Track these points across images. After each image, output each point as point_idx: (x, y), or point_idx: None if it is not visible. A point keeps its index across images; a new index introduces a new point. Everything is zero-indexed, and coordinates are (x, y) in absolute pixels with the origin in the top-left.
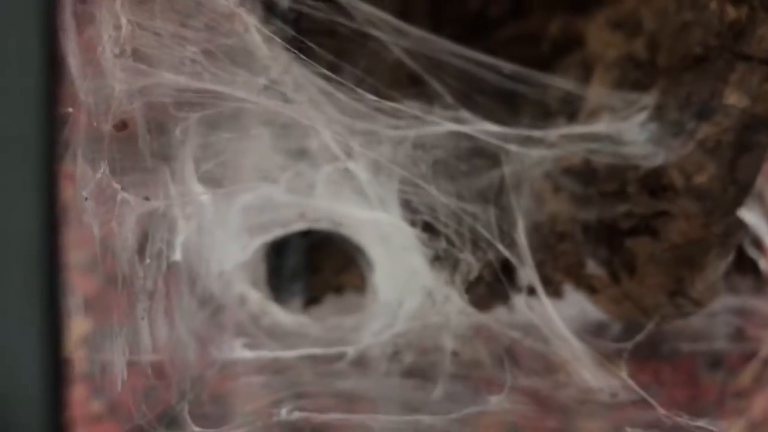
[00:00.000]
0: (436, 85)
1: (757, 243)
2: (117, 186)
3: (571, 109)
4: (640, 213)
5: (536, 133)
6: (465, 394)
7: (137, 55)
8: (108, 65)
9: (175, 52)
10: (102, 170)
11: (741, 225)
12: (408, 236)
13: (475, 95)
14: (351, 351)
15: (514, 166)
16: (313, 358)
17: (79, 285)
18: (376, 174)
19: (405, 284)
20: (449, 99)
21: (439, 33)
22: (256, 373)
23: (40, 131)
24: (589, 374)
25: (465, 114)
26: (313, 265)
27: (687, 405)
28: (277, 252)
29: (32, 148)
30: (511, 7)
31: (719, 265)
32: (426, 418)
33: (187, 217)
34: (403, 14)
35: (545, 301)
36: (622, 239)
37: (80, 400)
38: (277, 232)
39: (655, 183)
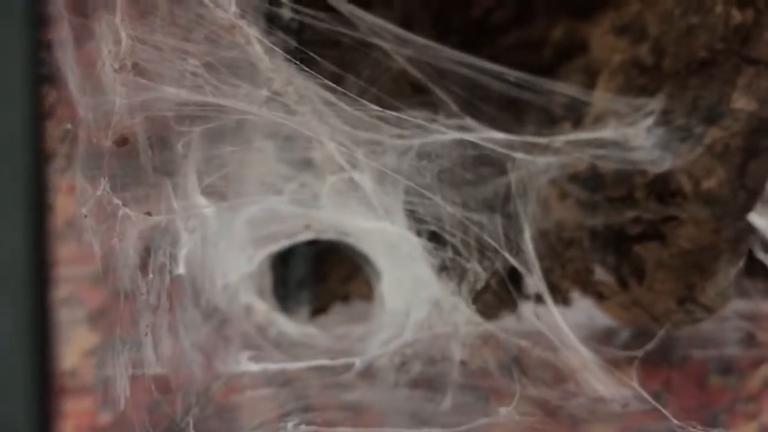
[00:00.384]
0: (441, 94)
1: (767, 246)
2: (118, 202)
3: (576, 116)
4: (649, 219)
5: (542, 140)
6: (474, 404)
7: (138, 69)
8: (108, 80)
9: (176, 65)
10: (102, 186)
11: (751, 230)
12: (414, 246)
13: (480, 103)
14: (358, 362)
15: (520, 174)
16: (320, 370)
17: (84, 298)
18: (381, 184)
19: (412, 294)
20: (453, 107)
21: (443, 40)
22: (262, 386)
23: (33, 145)
24: (599, 383)
25: (470, 122)
26: (320, 274)
27: (698, 411)
28: (283, 262)
29: (25, 163)
30: (514, 13)
31: (730, 271)
32: (435, 431)
33: (190, 231)
34: (407, 22)
35: (553, 309)
36: (631, 245)
37: (86, 412)
38: (283, 244)
39: (663, 188)
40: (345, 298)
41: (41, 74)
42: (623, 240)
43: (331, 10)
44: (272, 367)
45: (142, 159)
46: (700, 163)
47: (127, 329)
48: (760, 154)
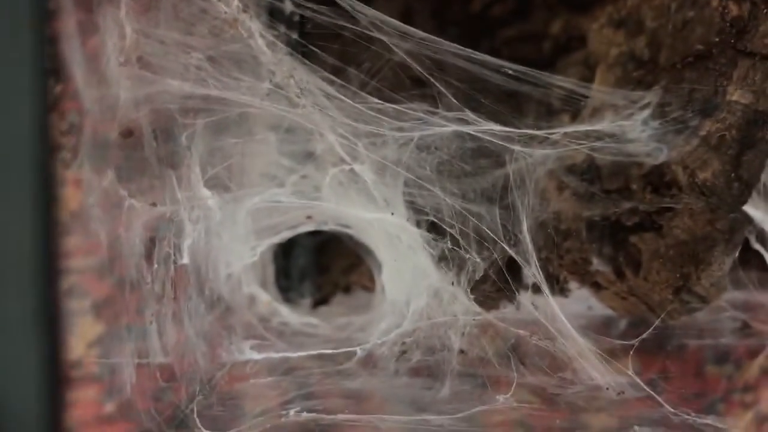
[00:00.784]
0: (440, 87)
1: (762, 237)
2: (124, 193)
3: (574, 108)
4: (645, 210)
5: (540, 133)
6: (472, 392)
7: (142, 63)
8: (113, 74)
9: (179, 59)
10: (108, 178)
11: (746, 221)
12: (414, 237)
13: (479, 96)
14: (359, 351)
15: (518, 166)
16: (321, 358)
17: (89, 288)
18: (382, 176)
19: (412, 284)
20: (453, 100)
21: (443, 33)
22: (265, 375)
23: (40, 138)
24: (596, 372)
25: (469, 115)
26: (321, 265)
27: (695, 400)
28: (285, 252)
29: (31, 155)
30: (514, 6)
31: (725, 262)
32: (434, 418)
33: (194, 221)
34: (408, 14)
35: (550, 299)
36: (627, 236)
37: (91, 401)
38: (285, 234)
39: (658, 180)
40: (346, 289)
41: (47, 67)
42: (620, 231)
43: (332, 3)
44: (275, 356)
45: (147, 151)
46: (696, 154)
47: (133, 318)
48: (755, 145)
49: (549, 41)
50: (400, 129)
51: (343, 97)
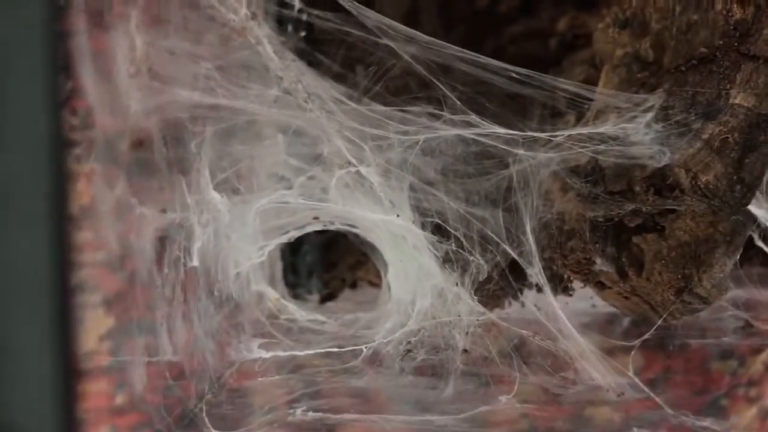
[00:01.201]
0: (445, 90)
1: (766, 235)
2: (134, 200)
3: (578, 111)
4: (647, 211)
5: (544, 135)
6: (476, 391)
7: (152, 73)
8: (123, 85)
9: (189, 68)
10: (120, 184)
11: (748, 223)
12: (419, 238)
13: (483, 99)
14: (366, 349)
15: (522, 168)
16: (328, 356)
17: (100, 283)
18: (387, 178)
19: (417, 284)
20: (458, 103)
21: (449, 31)
22: (273, 373)
23: (52, 133)
24: (596, 372)
25: (473, 118)
26: (328, 262)
27: (698, 396)
28: (292, 251)
29: (44, 151)
30: (520, 3)
31: (726, 263)
32: (438, 418)
33: (203, 225)
34: (413, 13)
35: (551, 300)
36: (630, 237)
37: (103, 393)
38: (293, 234)
39: (661, 182)
40: (353, 285)
41: (59, 64)
42: (623, 232)
43: (338, 9)
44: (282, 354)
45: (157, 157)
46: (699, 157)
47: (143, 315)
48: (757, 148)
49: (555, 38)
50: (406, 132)
51: (349, 101)
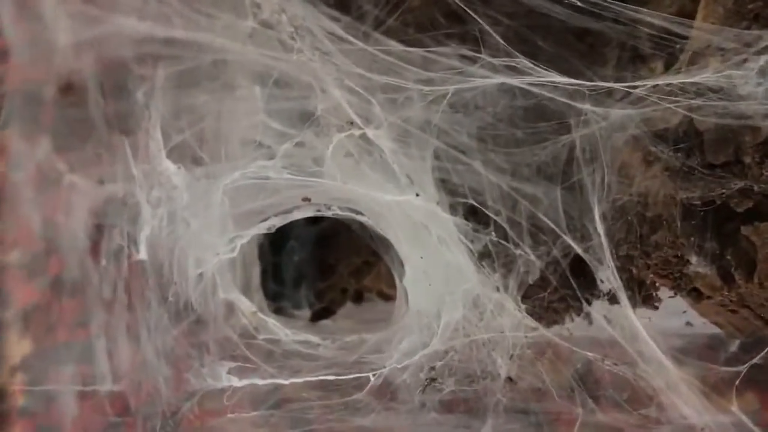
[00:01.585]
0: (483, 24)
1: None
2: (63, 166)
3: (667, 54)
4: (761, 191)
5: (620, 86)
6: None
7: None
8: (49, 11)
9: None
10: (43, 146)
11: None
12: (447, 226)
13: (537, 36)
14: (373, 378)
15: (589, 131)
16: (323, 387)
17: (16, 294)
18: (404, 144)
19: (444, 289)
20: (501, 42)
21: None
22: (249, 407)
23: None
24: (689, 408)
25: (522, 62)
26: (324, 263)
27: None
28: (275, 246)
29: None
30: None
31: None
32: None
33: (154, 204)
34: None
35: (629, 311)
36: (737, 227)
37: None
38: (275, 222)
39: None
40: (357, 297)
41: None
42: (727, 220)
43: None
44: (261, 382)
45: (92, 111)
46: None
47: (73, 331)
48: None
49: None
50: (429, 81)
51: (352, 39)
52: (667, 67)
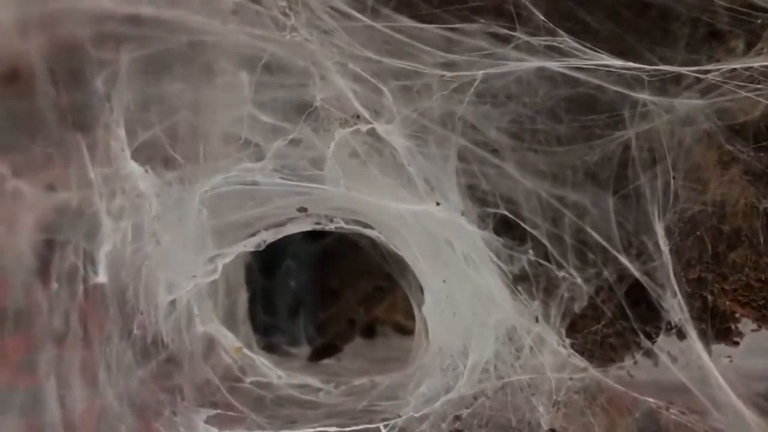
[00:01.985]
0: None
1: None
2: (5, 169)
3: (746, 30)
4: None
5: (688, 71)
6: None
7: None
8: None
9: None
10: None
11: None
12: (475, 242)
13: (582, 11)
14: (385, 429)
15: (649, 126)
16: None
17: None
18: (421, 141)
19: (471, 320)
20: (540, 17)
21: None
22: None
23: None
24: None
25: (566, 41)
26: (327, 288)
27: None
28: (266, 268)
29: None
30: None
31: None
32: None
33: (116, 216)
34: None
35: (700, 350)
36: None
37: None
38: (265, 237)
39: None
40: (368, 330)
41: None
42: None
43: None
44: None
45: (41, 103)
46: None
47: (17, 373)
48: None
49: None
50: (452, 65)
51: (358, 15)
52: (748, 48)
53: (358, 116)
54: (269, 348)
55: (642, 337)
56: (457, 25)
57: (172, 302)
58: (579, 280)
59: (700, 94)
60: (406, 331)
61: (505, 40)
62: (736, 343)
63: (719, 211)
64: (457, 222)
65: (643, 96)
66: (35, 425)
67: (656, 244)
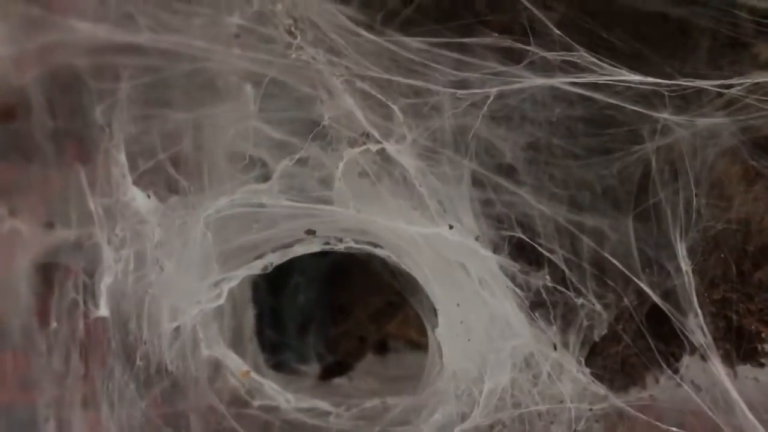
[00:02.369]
0: (534, 9)
1: None
2: (1, 210)
3: None
4: None
5: (709, 85)
6: None
7: None
8: None
9: None
10: None
11: None
12: (490, 266)
13: (599, 26)
14: None
15: (669, 142)
16: None
17: None
18: (433, 162)
19: (487, 346)
20: (556, 31)
21: None
22: None
23: None
24: None
25: (583, 55)
26: (337, 305)
27: None
28: (275, 285)
29: None
30: None
31: None
32: None
33: (117, 246)
34: None
35: (722, 374)
36: None
37: None
38: (272, 260)
39: None
40: (381, 347)
41: None
42: None
43: None
44: None
45: (38, 136)
46: None
47: (16, 416)
48: None
49: None
50: (464, 83)
51: (366, 34)
52: None
53: (367, 135)
54: (278, 366)
55: (663, 360)
56: (469, 39)
57: (176, 329)
58: (598, 307)
59: (723, 109)
60: (420, 346)
61: (518, 55)
62: (762, 364)
63: (744, 229)
64: (471, 245)
65: (662, 115)
66: None
67: (678, 266)
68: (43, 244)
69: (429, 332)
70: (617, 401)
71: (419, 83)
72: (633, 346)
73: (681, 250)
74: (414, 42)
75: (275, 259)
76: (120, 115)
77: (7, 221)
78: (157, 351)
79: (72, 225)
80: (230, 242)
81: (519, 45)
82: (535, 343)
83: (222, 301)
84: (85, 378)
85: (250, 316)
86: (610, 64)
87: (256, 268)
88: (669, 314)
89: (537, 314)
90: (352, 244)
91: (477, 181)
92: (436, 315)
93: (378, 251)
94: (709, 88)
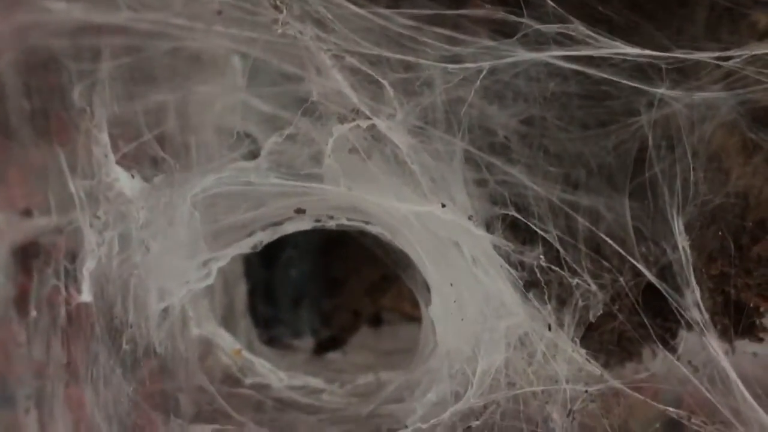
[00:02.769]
0: None
1: None
2: None
3: None
4: None
5: (708, 57)
6: None
7: None
8: None
9: None
10: None
11: None
12: (483, 245)
13: None
14: None
15: (665, 114)
16: None
17: None
18: (425, 139)
19: (481, 325)
20: (551, 3)
21: None
22: None
23: None
24: None
25: (578, 28)
26: (331, 278)
27: None
28: (267, 259)
29: None
30: None
31: None
32: None
33: (100, 229)
34: None
35: (719, 352)
36: None
37: None
38: (262, 238)
39: None
40: (375, 320)
41: None
42: None
43: None
44: None
45: (14, 119)
46: None
47: None
48: None
49: None
50: (456, 58)
51: (354, 7)
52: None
53: (357, 111)
54: (271, 341)
55: (657, 341)
56: (462, 11)
57: (164, 310)
58: (593, 286)
59: (722, 80)
60: (416, 320)
61: (510, 29)
62: (761, 339)
63: (742, 203)
64: (464, 224)
65: (659, 90)
66: None
67: (674, 241)
68: (20, 231)
69: (422, 309)
70: (614, 381)
71: (410, 58)
72: (629, 324)
73: (678, 225)
74: (404, 15)
75: (265, 237)
76: (102, 94)
77: None
78: (145, 333)
79: (51, 210)
80: (218, 222)
81: (512, 17)
82: (529, 323)
83: (211, 281)
84: (68, 367)
85: (242, 291)
86: (606, 37)
87: (246, 246)
88: (665, 293)
89: (531, 294)
90: (344, 222)
91: (470, 159)
92: (428, 293)
93: (370, 228)
94: (707, 60)
